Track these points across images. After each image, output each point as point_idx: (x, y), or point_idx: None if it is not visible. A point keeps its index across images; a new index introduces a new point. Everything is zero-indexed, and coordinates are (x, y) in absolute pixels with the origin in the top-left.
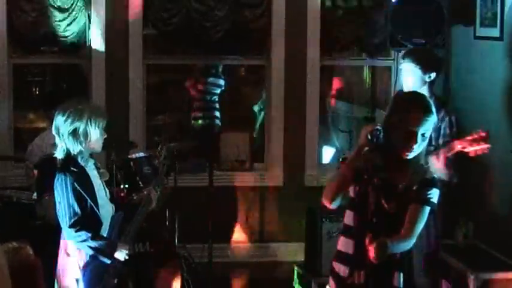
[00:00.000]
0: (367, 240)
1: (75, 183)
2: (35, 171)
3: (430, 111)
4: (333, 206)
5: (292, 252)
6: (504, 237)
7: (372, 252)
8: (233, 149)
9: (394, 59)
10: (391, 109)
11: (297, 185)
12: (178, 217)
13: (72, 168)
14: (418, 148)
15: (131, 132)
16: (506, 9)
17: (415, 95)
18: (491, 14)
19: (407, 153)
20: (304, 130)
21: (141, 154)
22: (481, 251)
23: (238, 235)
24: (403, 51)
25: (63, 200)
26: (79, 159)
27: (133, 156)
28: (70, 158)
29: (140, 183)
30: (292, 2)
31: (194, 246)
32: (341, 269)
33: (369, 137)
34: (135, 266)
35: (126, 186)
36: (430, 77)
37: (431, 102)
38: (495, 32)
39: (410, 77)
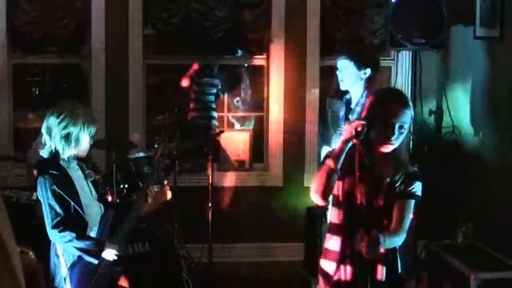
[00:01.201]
0: (359, 236)
1: (54, 186)
2: (35, 171)
3: (407, 104)
4: (324, 200)
5: (292, 252)
6: (504, 237)
7: (364, 247)
8: (233, 149)
9: (394, 59)
10: (370, 105)
11: (297, 185)
12: (178, 217)
13: (51, 171)
14: (396, 141)
15: (131, 132)
16: (506, 9)
17: (392, 89)
18: (491, 14)
19: (386, 146)
20: (304, 130)
21: (141, 154)
22: (481, 251)
23: (238, 235)
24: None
25: (45, 202)
26: (61, 161)
27: (133, 156)
28: (51, 160)
29: (140, 183)
30: (292, 2)
31: (194, 246)
32: (328, 266)
33: (354, 132)
34: (135, 266)
35: (126, 186)
36: (365, 73)
37: (407, 96)
38: (495, 32)
39: (344, 73)
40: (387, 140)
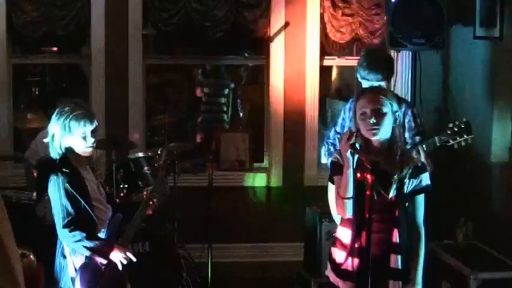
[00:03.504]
0: None
1: (67, 184)
2: (35, 172)
3: (380, 92)
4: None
5: (292, 252)
6: (504, 237)
7: None
8: (233, 149)
9: (393, 59)
10: (354, 106)
11: (296, 185)
12: (178, 217)
13: (64, 170)
14: (383, 126)
15: (131, 132)
16: (506, 9)
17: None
18: (491, 14)
19: (373, 132)
20: (304, 130)
21: (141, 154)
22: (481, 251)
23: (238, 235)
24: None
25: (57, 201)
26: (73, 161)
27: (133, 156)
28: (64, 159)
29: (140, 183)
30: (292, 2)
31: (194, 246)
32: (337, 255)
33: (351, 152)
34: (135, 266)
35: (126, 186)
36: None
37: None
38: (495, 32)
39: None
40: (371, 125)
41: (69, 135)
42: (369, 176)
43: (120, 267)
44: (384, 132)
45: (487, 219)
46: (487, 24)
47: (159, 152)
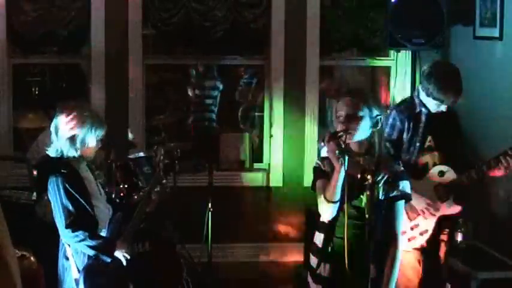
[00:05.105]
0: None
1: (66, 184)
2: (35, 171)
3: (361, 96)
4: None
5: (292, 252)
6: (504, 237)
7: None
8: (233, 149)
9: (393, 59)
10: (334, 107)
11: (296, 185)
12: (178, 217)
13: (63, 170)
14: (357, 130)
15: (131, 132)
16: (505, 9)
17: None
18: (491, 14)
19: (347, 136)
20: (304, 130)
21: (141, 154)
22: (481, 251)
23: (238, 235)
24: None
25: (57, 202)
26: (72, 161)
27: (133, 156)
28: (62, 160)
29: (140, 183)
30: (291, 2)
31: (194, 246)
32: (312, 260)
33: (339, 152)
34: (135, 266)
35: (126, 186)
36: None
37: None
38: (495, 32)
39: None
40: (343, 130)
41: (93, 140)
42: (369, 177)
43: (124, 263)
44: (358, 135)
45: (487, 219)
46: (487, 24)
47: (154, 149)
